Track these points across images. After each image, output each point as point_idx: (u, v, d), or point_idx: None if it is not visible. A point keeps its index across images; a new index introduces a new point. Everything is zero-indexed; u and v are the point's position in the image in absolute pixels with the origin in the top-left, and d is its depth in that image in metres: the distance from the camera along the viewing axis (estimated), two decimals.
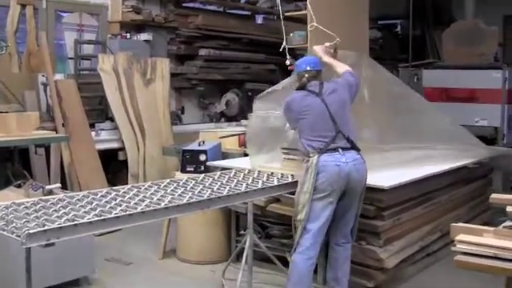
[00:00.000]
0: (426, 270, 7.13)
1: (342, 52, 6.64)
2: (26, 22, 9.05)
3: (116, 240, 8.01)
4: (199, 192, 5.23)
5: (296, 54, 7.01)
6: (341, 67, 6.12)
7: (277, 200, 6.63)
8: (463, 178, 8.17)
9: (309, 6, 7.03)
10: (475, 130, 9.92)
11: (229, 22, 12.92)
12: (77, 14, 10.74)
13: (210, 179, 5.91)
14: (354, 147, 5.64)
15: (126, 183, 8.55)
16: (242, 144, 7.89)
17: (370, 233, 6.38)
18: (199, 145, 7.71)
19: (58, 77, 9.48)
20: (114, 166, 9.97)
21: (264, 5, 13.61)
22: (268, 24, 13.95)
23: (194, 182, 5.73)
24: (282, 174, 6.17)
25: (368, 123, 7.47)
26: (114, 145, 9.90)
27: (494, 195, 4.93)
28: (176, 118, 11.74)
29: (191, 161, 7.47)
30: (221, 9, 13.22)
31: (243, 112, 12.20)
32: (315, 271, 5.92)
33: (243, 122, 10.35)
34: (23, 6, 8.89)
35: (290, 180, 5.90)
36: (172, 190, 5.30)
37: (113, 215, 4.33)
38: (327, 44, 6.35)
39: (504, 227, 3.98)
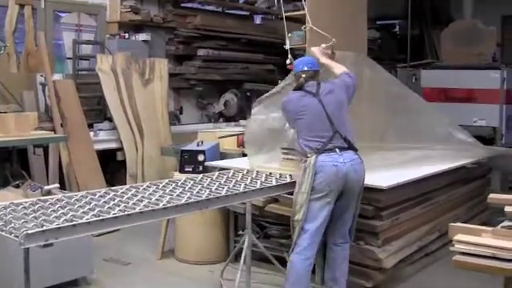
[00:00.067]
0: (424, 270, 7.13)
1: (341, 52, 6.64)
2: (25, 22, 9.05)
3: (114, 240, 8.01)
4: (198, 192, 5.23)
5: (295, 53, 7.00)
6: (338, 68, 6.13)
7: (275, 200, 6.62)
8: (462, 178, 8.17)
9: (305, 6, 7.03)
10: (473, 130, 9.92)
11: (227, 22, 12.93)
12: (75, 14, 10.75)
13: (209, 179, 5.91)
14: (351, 147, 5.64)
15: (125, 183, 8.54)
16: (241, 144, 7.88)
17: (369, 233, 6.38)
18: (198, 145, 7.71)
19: (57, 77, 9.48)
20: (113, 166, 9.97)
21: (262, 5, 13.63)
22: (266, 24, 13.98)
23: (192, 182, 5.72)
24: (280, 174, 6.17)
25: (366, 123, 7.48)
26: (113, 145, 9.90)
27: (492, 195, 4.94)
28: (174, 118, 11.74)
29: (189, 161, 7.46)
30: (219, 9, 13.24)
31: (242, 112, 12.23)
32: (313, 271, 5.92)
33: (242, 122, 10.37)
34: (21, 6, 8.89)
35: (288, 180, 5.90)
36: (170, 191, 5.30)
37: (111, 215, 4.33)
38: (324, 45, 6.35)
39: (502, 227, 3.99)
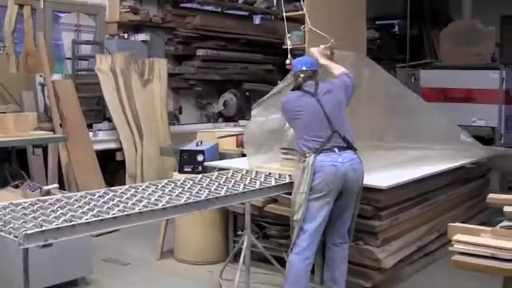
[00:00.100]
0: (423, 270, 7.13)
1: (340, 52, 6.64)
2: (24, 23, 9.06)
3: (114, 240, 8.01)
4: (197, 192, 5.23)
5: (293, 53, 7.01)
6: (337, 69, 6.14)
7: (274, 200, 6.62)
8: (461, 178, 8.17)
9: (304, 7, 7.04)
10: (472, 130, 9.94)
11: (226, 22, 12.94)
12: (74, 15, 10.76)
13: (208, 179, 5.91)
14: (350, 147, 5.64)
15: (124, 184, 8.54)
16: (240, 144, 7.88)
17: (368, 233, 6.38)
18: (197, 145, 7.71)
19: (56, 77, 9.47)
20: (112, 167, 9.97)
21: (261, 5, 13.63)
22: (265, 24, 13.99)
23: (191, 182, 5.72)
24: (279, 174, 6.17)
25: (366, 123, 7.49)
26: (112, 145, 9.90)
27: (491, 195, 4.94)
28: (174, 118, 11.75)
29: (189, 161, 7.46)
30: (218, 9, 13.24)
31: (241, 112, 12.23)
32: (312, 271, 5.92)
33: (241, 122, 10.37)
34: (21, 6, 8.90)
35: (287, 180, 5.90)
36: (170, 191, 5.30)
37: (110, 216, 4.33)
38: (323, 46, 6.35)
39: (501, 227, 3.99)
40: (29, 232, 3.79)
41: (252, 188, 5.56)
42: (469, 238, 3.73)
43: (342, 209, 5.72)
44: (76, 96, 9.32)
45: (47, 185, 7.46)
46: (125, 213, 4.42)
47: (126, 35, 11.08)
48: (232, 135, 8.28)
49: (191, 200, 4.93)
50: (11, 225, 4.02)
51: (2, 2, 8.93)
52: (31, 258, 4.28)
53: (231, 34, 12.73)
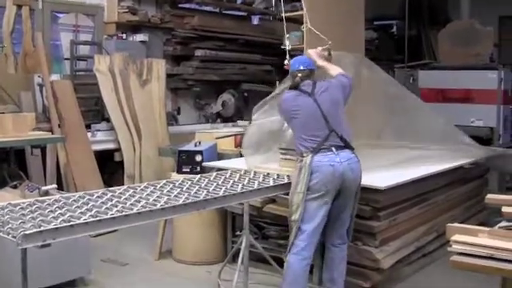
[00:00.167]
0: (421, 271, 7.13)
1: (339, 53, 6.65)
2: (22, 23, 9.06)
3: (112, 241, 8.01)
4: (195, 193, 5.23)
5: (291, 54, 7.02)
6: (334, 70, 6.13)
7: (273, 201, 6.63)
8: (459, 179, 8.17)
9: (303, 7, 7.04)
10: (471, 130, 9.96)
11: (225, 22, 12.93)
12: (73, 15, 10.75)
13: (206, 180, 5.91)
14: (347, 146, 5.63)
15: (122, 184, 8.56)
16: (238, 145, 7.87)
17: (366, 233, 6.38)
18: (195, 145, 7.71)
19: (54, 77, 9.48)
20: (110, 167, 9.97)
21: (260, 5, 13.62)
22: (264, 25, 13.98)
23: (189, 182, 5.72)
24: (278, 174, 6.17)
25: (364, 123, 7.49)
26: (110, 146, 9.90)
27: (489, 196, 4.94)
28: (172, 118, 11.74)
29: (187, 161, 7.46)
30: (217, 9, 13.22)
31: (239, 113, 12.23)
32: (311, 271, 5.93)
33: (239, 122, 10.39)
34: (19, 7, 8.91)
35: (286, 181, 5.90)
36: (168, 191, 5.30)
37: (109, 216, 4.33)
38: (320, 48, 6.35)
39: (499, 227, 3.99)
40: (27, 232, 3.79)
41: (250, 188, 5.56)
42: (467, 239, 3.72)
43: (341, 209, 5.72)
44: (74, 96, 9.32)
45: (45, 185, 7.45)
46: (123, 213, 4.42)
47: (124, 35, 11.08)
48: (230, 135, 8.27)
49: (190, 200, 4.94)
50: (9, 225, 4.02)
51: (1, 2, 8.93)
52: (29, 258, 4.28)
53: (229, 34, 12.73)
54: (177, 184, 5.63)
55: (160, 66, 10.77)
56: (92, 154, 9.30)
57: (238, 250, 6.32)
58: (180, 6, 12.27)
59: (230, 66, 12.83)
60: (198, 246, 7.37)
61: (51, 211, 4.47)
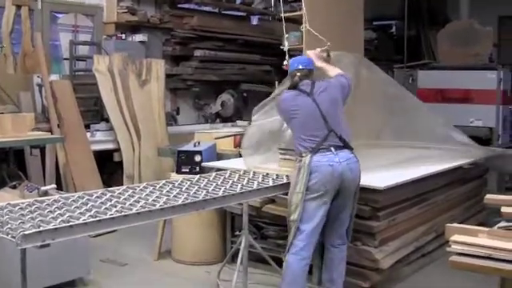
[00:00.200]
0: (421, 271, 7.13)
1: (338, 53, 6.65)
2: (21, 23, 9.08)
3: (111, 241, 8.01)
4: (194, 193, 5.23)
5: (290, 54, 7.02)
6: (333, 71, 6.13)
7: (272, 201, 6.63)
8: (459, 179, 8.18)
9: (302, 7, 7.04)
10: (470, 130, 9.97)
11: (224, 22, 12.92)
12: (72, 15, 10.75)
13: (205, 180, 5.91)
14: (346, 146, 5.63)
15: (121, 184, 8.55)
16: (237, 145, 7.87)
17: (366, 233, 6.38)
18: (194, 146, 7.71)
19: (53, 78, 9.48)
20: (109, 167, 9.97)
21: (259, 6, 13.62)
22: (263, 25, 13.97)
23: (189, 182, 5.72)
24: (277, 174, 6.17)
25: (363, 123, 7.49)
26: (109, 146, 9.90)
27: (488, 196, 4.94)
28: (171, 118, 11.74)
29: (186, 162, 7.46)
30: (216, 10, 13.21)
31: (238, 113, 12.23)
32: (310, 272, 5.93)
33: (238, 122, 10.38)
34: (18, 7, 8.92)
35: (285, 181, 5.90)
36: (167, 191, 5.30)
37: (108, 216, 4.33)
38: (319, 49, 6.35)
39: (499, 228, 3.99)
40: (26, 232, 3.79)
41: (249, 188, 5.56)
42: (466, 239, 3.72)
43: (340, 209, 5.72)
44: (74, 96, 9.32)
45: (45, 185, 7.44)
46: (122, 213, 4.42)
47: (123, 36, 11.08)
48: (229, 136, 8.27)
49: (189, 201, 4.94)
50: (9, 225, 4.02)
51: (0, 2, 8.92)
52: (29, 258, 4.28)
53: (229, 34, 12.73)
54: (176, 184, 5.63)
55: (159, 67, 10.77)
56: (91, 154, 9.30)
57: (237, 250, 6.32)
58: (179, 6, 12.26)
59: (229, 67, 12.83)
60: (198, 246, 7.37)
61: (50, 211, 4.47)
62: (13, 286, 5.46)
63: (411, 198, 7.02)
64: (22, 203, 4.75)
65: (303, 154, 5.54)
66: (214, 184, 5.69)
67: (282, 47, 7.27)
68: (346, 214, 5.78)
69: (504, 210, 4.37)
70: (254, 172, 6.37)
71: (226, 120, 12.14)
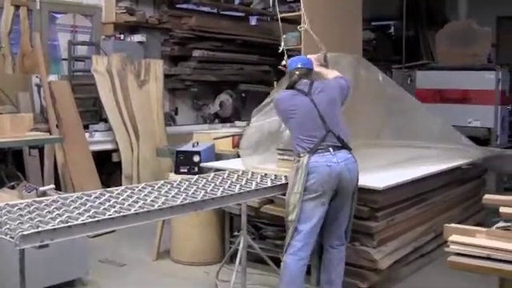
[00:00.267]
0: (419, 271, 7.13)
1: (337, 54, 6.66)
2: (20, 23, 9.06)
3: (110, 241, 8.00)
4: (193, 193, 5.23)
5: (289, 54, 7.02)
6: (331, 74, 6.12)
7: (271, 201, 6.63)
8: (457, 179, 8.18)
9: (301, 7, 7.04)
10: (468, 130, 9.98)
11: (222, 23, 12.92)
12: (70, 15, 10.75)
13: (204, 180, 5.91)
14: (345, 146, 5.63)
15: (120, 184, 8.55)
16: (236, 145, 7.88)
17: (364, 234, 6.38)
18: (193, 146, 7.71)
19: (52, 78, 9.47)
20: (108, 168, 9.97)
21: (258, 6, 13.62)
22: (262, 25, 13.96)
23: (187, 183, 5.73)
24: (275, 175, 6.18)
25: (362, 123, 7.49)
26: (108, 146, 9.90)
27: (487, 196, 4.94)
28: (170, 119, 11.73)
29: (185, 162, 7.47)
30: (214, 10, 13.22)
31: (237, 113, 12.23)
32: (309, 272, 5.93)
33: (237, 123, 10.39)
34: (17, 7, 8.91)
35: (283, 181, 5.90)
36: (166, 192, 5.30)
37: (107, 216, 4.33)
38: (315, 56, 6.34)
39: (497, 228, 3.99)
40: (25, 233, 3.79)
41: (248, 189, 5.56)
42: (465, 239, 3.73)
43: (338, 209, 5.72)
44: (72, 97, 9.32)
45: (43, 186, 7.43)
46: (121, 214, 4.43)
47: (122, 36, 11.08)
48: (228, 136, 8.28)
49: (187, 201, 4.94)
50: (7, 226, 4.02)
51: None
52: (27, 258, 4.28)
53: (227, 34, 12.72)
54: (175, 184, 5.63)
55: (158, 67, 10.77)
56: (90, 154, 9.30)
57: (236, 251, 6.33)
58: (178, 6, 12.27)
59: (227, 67, 12.82)
60: (196, 247, 7.37)
61: (49, 212, 4.47)
62: (11, 287, 5.47)
63: (410, 199, 7.02)
64: (21, 203, 4.75)
65: (301, 155, 5.54)
66: (213, 184, 5.69)
67: (281, 47, 7.26)
68: (344, 214, 5.78)
69: (502, 210, 4.37)
70: (253, 172, 6.38)
71: (224, 120, 12.14)
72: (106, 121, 9.97)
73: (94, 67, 9.84)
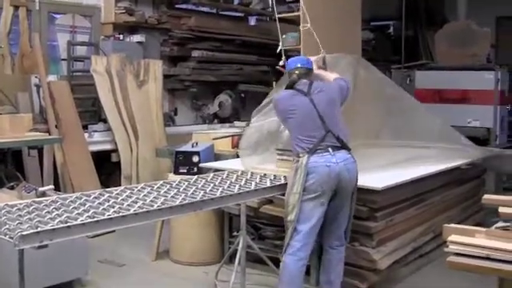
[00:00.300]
0: (418, 271, 7.13)
1: (337, 55, 6.66)
2: (19, 24, 9.07)
3: (109, 242, 8.00)
4: (192, 193, 5.23)
5: (288, 54, 7.02)
6: (331, 76, 6.13)
7: (270, 201, 6.63)
8: (456, 179, 8.17)
9: (302, 6, 7.05)
10: (468, 130, 9.97)
11: (221, 23, 12.93)
12: (70, 16, 10.75)
13: (203, 181, 5.91)
14: (344, 146, 5.62)
15: (119, 185, 8.55)
16: (235, 145, 7.88)
17: (363, 234, 6.38)
18: (192, 146, 7.71)
19: (51, 78, 9.46)
20: (107, 168, 9.97)
21: (257, 6, 13.62)
22: (261, 25, 13.97)
23: (186, 183, 5.73)
24: (274, 175, 6.18)
25: (361, 123, 7.49)
26: (107, 146, 9.89)
27: (486, 196, 4.94)
28: (169, 119, 11.74)
29: (184, 162, 7.47)
30: (213, 10, 13.24)
31: (236, 113, 12.23)
32: (308, 273, 5.93)
33: (236, 123, 10.39)
34: (16, 8, 8.91)
35: (282, 181, 5.90)
36: (165, 192, 5.30)
37: (106, 217, 4.33)
38: (314, 58, 6.33)
39: (496, 228, 3.99)
40: (24, 233, 3.79)
41: (247, 189, 5.57)
42: (464, 239, 3.73)
43: (337, 209, 5.72)
44: (71, 97, 9.32)
45: (42, 186, 7.43)
46: (120, 214, 4.43)
47: (121, 36, 11.07)
48: (227, 136, 8.28)
49: (187, 201, 4.94)
50: (7, 226, 4.03)
51: None
52: (26, 259, 4.28)
53: (226, 35, 12.73)
54: (174, 185, 5.63)
55: (157, 67, 10.77)
56: (89, 154, 9.30)
57: (235, 251, 6.33)
58: (177, 6, 12.28)
59: (226, 67, 12.83)
60: (195, 247, 7.37)
61: (48, 212, 4.47)
62: (11, 287, 5.46)
63: (409, 199, 7.02)
64: (20, 204, 4.75)
65: (300, 155, 5.54)
66: (212, 185, 5.69)
67: (279, 48, 7.26)
68: (343, 215, 5.78)
69: (502, 210, 4.37)
70: (252, 173, 6.38)
71: (223, 121, 12.14)
72: (105, 121, 9.97)
73: (93, 67, 9.84)
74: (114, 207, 4.61)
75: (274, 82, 7.59)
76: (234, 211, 6.93)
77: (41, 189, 6.77)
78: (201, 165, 7.36)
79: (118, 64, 10.10)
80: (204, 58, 12.23)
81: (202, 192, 5.29)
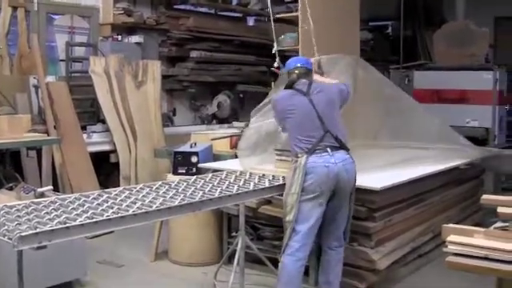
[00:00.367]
0: (417, 271, 7.13)
1: (336, 55, 6.66)
2: (18, 25, 9.07)
3: (108, 242, 7.99)
4: (191, 194, 5.23)
5: (285, 55, 7.02)
6: (329, 81, 6.13)
7: (268, 202, 6.63)
8: (455, 179, 8.17)
9: (306, 7, 7.05)
10: (466, 130, 9.98)
11: (220, 23, 12.94)
12: (68, 17, 10.74)
13: (202, 181, 5.91)
14: (343, 147, 5.62)
15: (118, 185, 8.53)
16: (234, 146, 7.88)
17: (362, 234, 6.38)
18: (191, 147, 7.71)
19: (50, 79, 9.47)
20: (106, 169, 9.97)
21: (255, 7, 13.62)
22: (259, 26, 13.97)
23: (185, 183, 5.73)
24: (273, 175, 6.18)
25: (359, 124, 7.49)
26: (106, 147, 9.90)
27: (485, 196, 4.94)
28: (167, 119, 11.74)
29: (183, 163, 7.47)
30: (212, 11, 13.24)
31: (235, 114, 12.24)
32: (307, 273, 5.92)
33: (235, 123, 10.39)
34: (15, 9, 8.92)
35: (281, 182, 5.90)
36: (164, 192, 5.30)
37: (105, 217, 4.32)
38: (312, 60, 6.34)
39: (495, 228, 3.99)
40: (23, 234, 3.79)
41: (246, 189, 5.56)
42: (463, 239, 3.73)
43: (336, 210, 5.71)
44: (70, 98, 9.32)
45: (41, 187, 7.42)
46: (119, 215, 4.42)
47: (119, 37, 11.09)
48: (226, 137, 8.28)
49: (185, 202, 4.94)
50: (5, 227, 4.02)
51: None
52: (25, 260, 4.28)
53: (225, 35, 12.74)
54: (172, 185, 5.63)
55: (155, 68, 10.76)
56: (88, 155, 9.29)
57: (234, 251, 6.33)
58: (175, 7, 12.30)
59: (225, 67, 12.84)
60: (194, 247, 7.37)
61: (47, 213, 4.47)
62: None
63: (407, 199, 7.02)
64: (19, 205, 4.75)
65: (299, 155, 5.53)
66: (211, 185, 5.69)
67: (275, 49, 7.26)
68: (342, 215, 5.77)
69: (500, 210, 4.37)
70: (251, 173, 6.37)
71: (222, 121, 12.15)
72: (103, 122, 9.97)
73: (91, 68, 9.84)
74: (112, 208, 4.60)
75: (273, 83, 7.59)
76: (233, 212, 6.92)
77: (39, 189, 6.76)
78: (199, 165, 7.36)
79: (117, 65, 10.10)
80: (202, 58, 12.25)
81: (200, 192, 5.29)
